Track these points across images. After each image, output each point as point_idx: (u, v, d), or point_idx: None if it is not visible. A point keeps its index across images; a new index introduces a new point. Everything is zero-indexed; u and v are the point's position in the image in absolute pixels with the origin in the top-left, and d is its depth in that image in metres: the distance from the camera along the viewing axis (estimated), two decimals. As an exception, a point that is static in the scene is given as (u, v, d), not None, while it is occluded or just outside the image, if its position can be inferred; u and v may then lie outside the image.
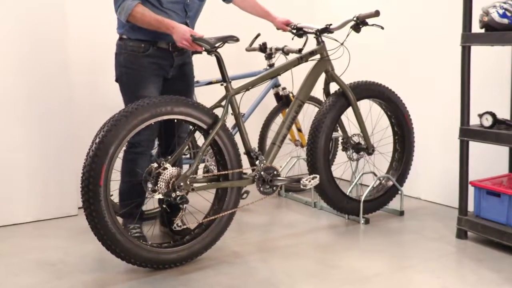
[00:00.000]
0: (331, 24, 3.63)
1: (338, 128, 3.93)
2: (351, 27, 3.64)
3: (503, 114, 3.46)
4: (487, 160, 3.77)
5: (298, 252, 3.34)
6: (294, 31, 3.72)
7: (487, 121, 3.30)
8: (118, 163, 3.00)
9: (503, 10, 3.15)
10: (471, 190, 3.44)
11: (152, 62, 3.24)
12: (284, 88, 4.39)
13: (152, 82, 3.25)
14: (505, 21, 3.15)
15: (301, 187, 3.45)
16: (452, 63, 3.68)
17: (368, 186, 3.98)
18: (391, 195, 4.00)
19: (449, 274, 2.98)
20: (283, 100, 4.41)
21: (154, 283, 2.91)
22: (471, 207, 3.49)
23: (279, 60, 4.18)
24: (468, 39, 3.30)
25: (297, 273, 3.02)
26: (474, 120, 3.39)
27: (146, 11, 3.08)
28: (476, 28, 3.29)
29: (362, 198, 3.83)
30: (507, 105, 3.62)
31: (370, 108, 4.13)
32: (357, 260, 3.20)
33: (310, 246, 3.45)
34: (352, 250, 3.36)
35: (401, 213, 3.99)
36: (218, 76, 3.30)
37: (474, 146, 3.46)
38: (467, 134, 3.37)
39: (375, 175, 4.02)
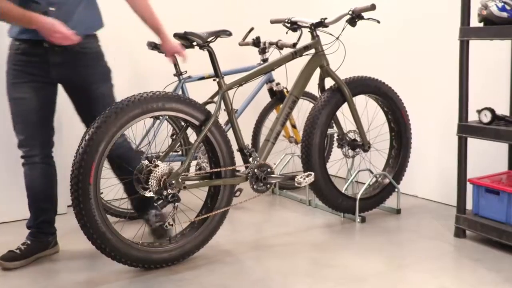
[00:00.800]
0: (326, 18, 3.60)
1: (333, 125, 3.89)
2: (346, 21, 3.61)
3: (502, 110, 3.42)
4: (486, 157, 3.73)
5: (292, 251, 3.30)
6: (289, 25, 3.69)
7: (486, 117, 3.25)
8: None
9: (502, 4, 3.12)
10: (469, 187, 3.40)
11: (25, 60, 3.02)
12: (278, 84, 4.35)
13: (22, 82, 3.03)
14: (504, 14, 3.11)
15: (296, 184, 3.42)
16: (450, 58, 3.64)
17: (364, 183, 3.93)
18: (387, 193, 3.96)
19: (447, 273, 2.95)
20: (277, 96, 4.37)
21: (146, 283, 2.87)
22: (469, 205, 3.45)
23: (273, 54, 4.13)
24: (467, 33, 3.26)
25: (292, 273, 2.99)
26: (472, 116, 3.36)
27: (12, 6, 2.82)
28: (474, 22, 3.25)
29: (358, 196, 3.80)
30: (506, 101, 3.58)
31: (366, 104, 4.09)
32: (352, 259, 3.16)
33: (304, 245, 3.41)
34: (347, 249, 3.33)
35: (398, 211, 3.95)
36: (211, 71, 3.28)
37: (473, 143, 3.43)
38: (466, 130, 3.32)
39: (371, 172, 3.98)
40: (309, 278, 2.91)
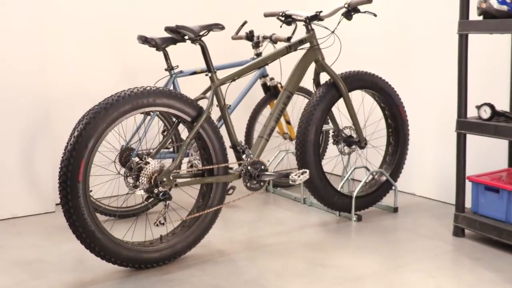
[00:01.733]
0: (321, 11, 3.57)
1: (329, 121, 3.86)
2: (342, 14, 3.57)
3: (502, 106, 3.39)
4: (485, 154, 3.70)
5: (286, 250, 3.26)
6: (283, 18, 3.65)
7: (486, 113, 3.22)
8: (97, 158, 2.91)
9: (502, -4, 3.08)
10: (468, 185, 3.37)
11: None
12: (272, 79, 4.30)
13: None
14: (504, 8, 3.07)
15: (290, 182, 3.39)
16: (449, 53, 3.61)
17: (360, 181, 3.90)
18: (384, 191, 3.93)
19: (445, 273, 2.91)
20: (271, 91, 4.33)
21: (136, 283, 2.83)
22: (468, 204, 3.42)
23: (267, 49, 4.09)
24: (466, 27, 3.22)
25: (286, 273, 2.95)
26: (471, 112, 3.32)
27: None
28: (474, 15, 3.21)
29: (354, 194, 3.76)
30: (506, 96, 3.55)
31: (362, 100, 4.06)
32: (348, 259, 3.13)
33: (299, 244, 3.37)
34: (343, 249, 3.29)
35: (395, 209, 3.92)
36: (203, 65, 3.25)
37: (472, 139, 3.40)
38: (465, 126, 3.28)
39: (368, 169, 3.94)
40: (303, 278, 2.88)
